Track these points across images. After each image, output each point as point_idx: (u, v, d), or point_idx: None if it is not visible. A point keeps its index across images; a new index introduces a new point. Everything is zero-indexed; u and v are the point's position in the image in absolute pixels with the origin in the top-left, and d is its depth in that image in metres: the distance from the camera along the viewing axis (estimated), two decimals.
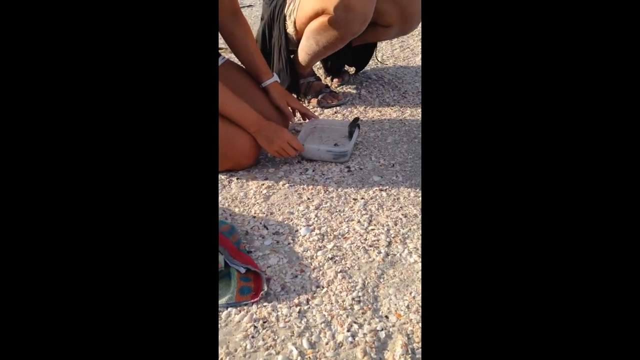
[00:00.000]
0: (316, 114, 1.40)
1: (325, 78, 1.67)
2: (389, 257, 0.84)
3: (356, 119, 1.29)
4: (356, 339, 0.67)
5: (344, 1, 1.18)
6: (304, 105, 1.31)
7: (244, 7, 2.81)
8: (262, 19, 1.46)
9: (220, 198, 1.03)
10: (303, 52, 1.37)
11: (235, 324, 0.70)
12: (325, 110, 1.46)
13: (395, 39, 1.98)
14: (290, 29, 1.37)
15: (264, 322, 0.70)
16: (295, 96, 1.36)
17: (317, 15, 1.27)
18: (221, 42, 1.35)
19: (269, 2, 1.41)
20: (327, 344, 0.67)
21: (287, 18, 1.35)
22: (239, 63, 1.28)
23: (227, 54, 1.52)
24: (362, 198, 1.02)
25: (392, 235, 0.90)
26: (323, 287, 0.77)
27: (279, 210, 0.99)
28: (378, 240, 0.89)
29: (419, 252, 0.86)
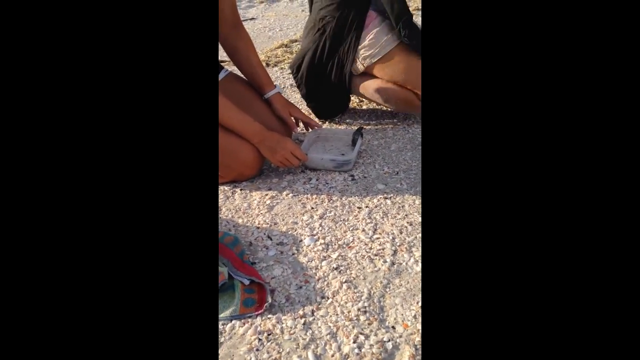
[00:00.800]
0: (319, 123, 1.40)
1: None
2: (395, 266, 0.83)
3: (360, 128, 1.29)
4: (362, 350, 0.66)
5: None
6: (306, 115, 1.31)
7: (246, 20, 2.84)
8: (318, 29, 1.33)
9: (223, 209, 1.03)
10: (364, 88, 1.36)
11: (239, 337, 0.69)
12: (329, 119, 1.46)
13: None
14: (358, 67, 1.33)
15: (269, 335, 0.69)
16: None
17: (404, 83, 1.31)
18: (224, 55, 1.36)
19: (333, 14, 1.30)
20: (332, 356, 0.65)
21: (360, 56, 1.31)
22: (242, 75, 1.29)
23: (229, 67, 1.53)
24: (367, 206, 1.02)
25: (398, 244, 0.89)
26: (328, 298, 0.76)
27: (283, 220, 0.98)
28: (383, 249, 0.88)
29: None
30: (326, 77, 1.34)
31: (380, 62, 1.31)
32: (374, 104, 1.55)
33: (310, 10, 1.44)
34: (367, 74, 1.35)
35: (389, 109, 1.48)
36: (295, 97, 1.67)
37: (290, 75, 1.88)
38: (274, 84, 1.26)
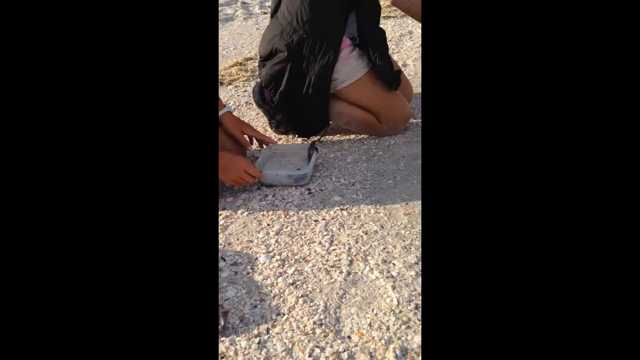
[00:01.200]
0: (274, 139, 1.40)
1: None
2: (351, 275, 0.83)
3: (314, 142, 1.30)
4: None
5: (391, 122, 1.40)
6: (259, 132, 1.31)
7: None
8: (290, 47, 1.28)
9: None
10: (333, 110, 1.37)
11: None
12: (284, 135, 1.47)
13: None
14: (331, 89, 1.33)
15: (222, 358, 0.67)
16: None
17: (367, 109, 1.36)
18: None
19: (307, 30, 1.26)
20: None
21: (331, 80, 1.30)
22: None
23: None
24: (324, 219, 1.02)
25: (354, 254, 0.89)
26: (284, 315, 0.75)
27: (238, 239, 0.97)
28: (339, 260, 0.88)
29: (380, 268, 0.85)
30: (305, 94, 1.30)
31: (348, 87, 1.33)
32: None
33: (273, 14, 1.38)
34: (331, 96, 1.35)
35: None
36: (250, 115, 1.67)
37: (245, 93, 1.89)
38: (226, 103, 1.26)
